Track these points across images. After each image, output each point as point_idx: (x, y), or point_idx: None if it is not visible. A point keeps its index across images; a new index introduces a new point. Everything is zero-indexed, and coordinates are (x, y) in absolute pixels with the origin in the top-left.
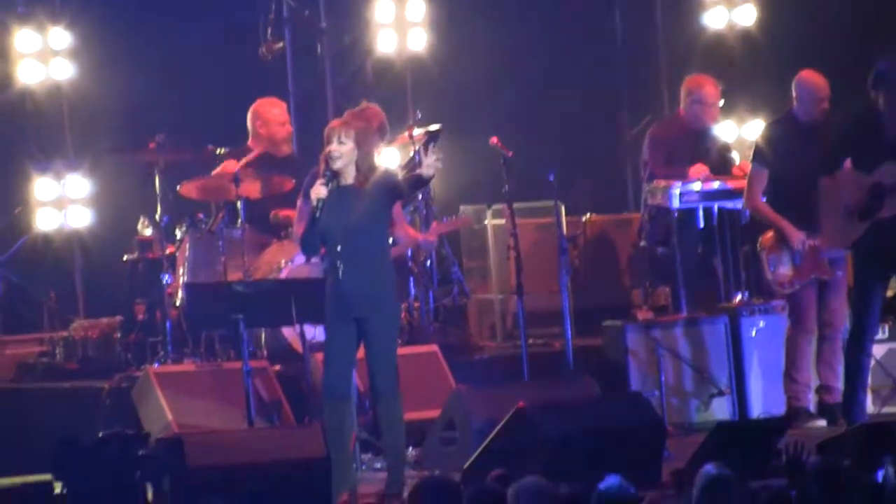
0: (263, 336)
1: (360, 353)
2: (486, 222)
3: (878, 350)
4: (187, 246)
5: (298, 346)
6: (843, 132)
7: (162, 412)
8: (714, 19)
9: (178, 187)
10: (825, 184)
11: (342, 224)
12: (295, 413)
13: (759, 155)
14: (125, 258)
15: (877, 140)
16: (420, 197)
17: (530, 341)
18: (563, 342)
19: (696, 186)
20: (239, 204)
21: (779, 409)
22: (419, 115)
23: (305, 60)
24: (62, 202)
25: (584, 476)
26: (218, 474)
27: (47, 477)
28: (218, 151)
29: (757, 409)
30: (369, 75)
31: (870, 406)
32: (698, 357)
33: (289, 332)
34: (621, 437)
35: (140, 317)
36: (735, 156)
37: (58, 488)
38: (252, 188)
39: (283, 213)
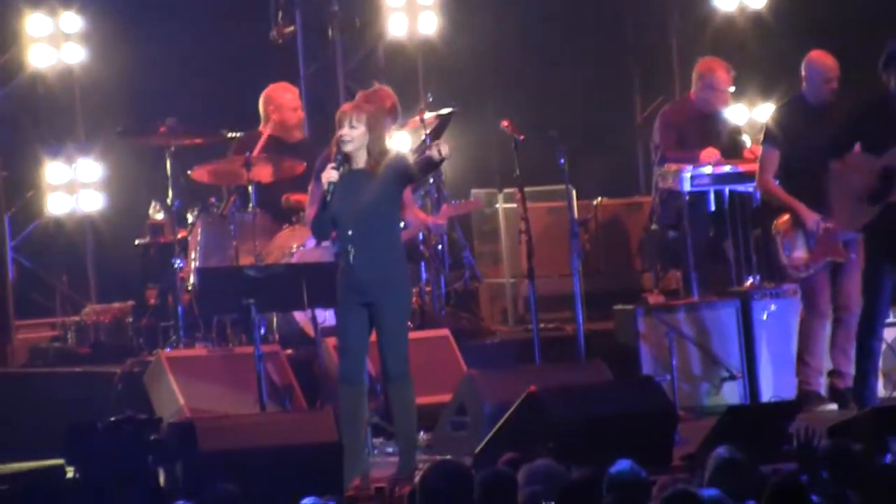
0: (275, 320)
1: (372, 337)
2: (497, 206)
3: (889, 334)
4: (199, 230)
5: (310, 331)
6: (854, 115)
7: (174, 397)
8: (725, 1)
9: (189, 171)
10: (835, 167)
11: (353, 208)
12: (307, 397)
13: (769, 136)
14: (137, 243)
15: (887, 123)
16: (431, 181)
17: (541, 325)
18: (575, 326)
19: (708, 170)
20: (250, 188)
21: (789, 392)
22: (430, 99)
23: (316, 44)
24: (74, 186)
25: (595, 460)
26: (230, 459)
27: (59, 461)
28: (229, 135)
29: (768, 393)
30: (380, 59)
31: (881, 390)
32: (709, 341)
33: (300, 317)
34: (632, 421)
35: (152, 301)
36: (746, 139)
37: (70, 473)
38: (263, 172)
39: (295, 197)
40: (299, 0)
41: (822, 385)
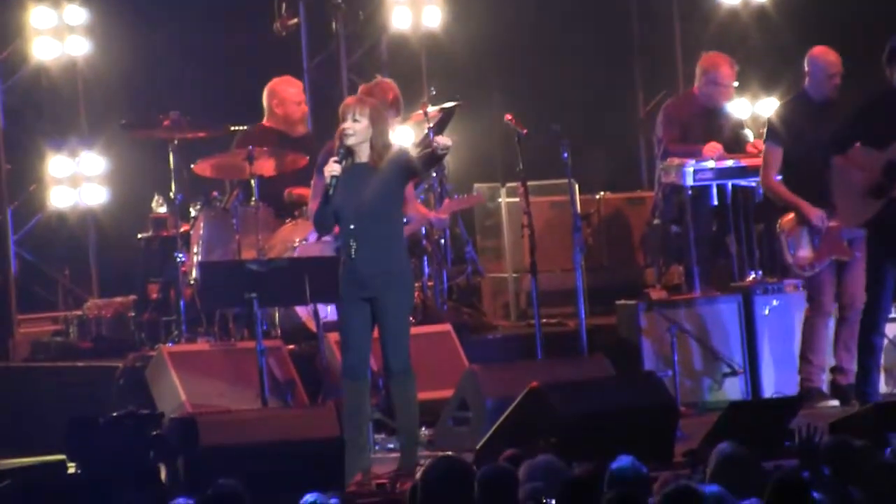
0: (277, 315)
1: (374, 333)
2: (500, 200)
3: (891, 329)
4: (201, 224)
5: (312, 326)
6: (857, 110)
7: (175, 391)
8: None
9: (192, 165)
10: (838, 162)
11: (356, 202)
12: (308, 393)
13: (772, 133)
14: (139, 236)
15: (891, 117)
16: (434, 175)
17: (543, 320)
18: (577, 321)
19: (710, 164)
20: (253, 182)
21: (791, 388)
22: (434, 92)
23: (320, 37)
24: (77, 180)
25: (596, 456)
26: (231, 454)
27: (61, 456)
28: (232, 129)
29: (769, 389)
30: (384, 52)
31: (883, 386)
32: (711, 336)
33: (303, 312)
34: (634, 416)
35: (154, 296)
36: (748, 133)
37: (71, 468)
38: (266, 166)
39: (297, 191)
40: None
41: (824, 382)
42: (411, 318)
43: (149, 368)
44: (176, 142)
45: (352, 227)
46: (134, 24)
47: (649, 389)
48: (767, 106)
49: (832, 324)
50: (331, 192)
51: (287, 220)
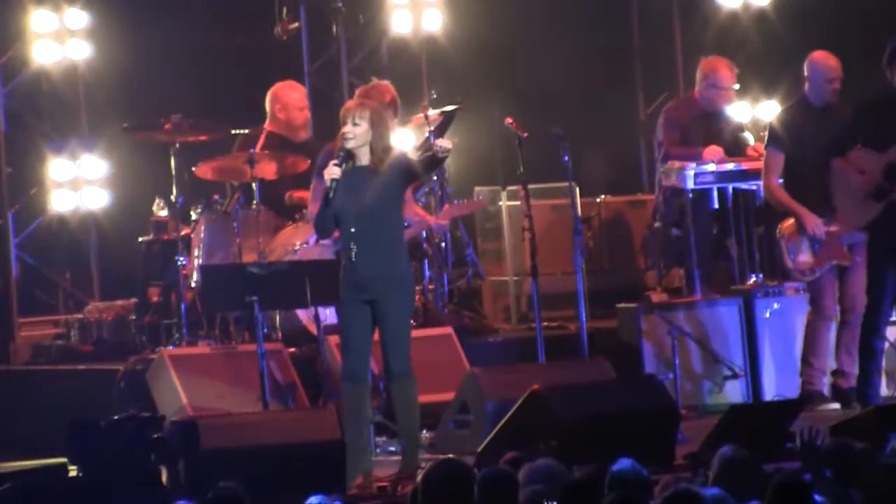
0: (278, 318)
1: (375, 335)
2: (500, 204)
3: (892, 333)
4: (202, 227)
5: (313, 329)
6: (857, 112)
7: (176, 395)
8: None
9: (193, 168)
10: (838, 165)
11: (356, 205)
12: (309, 396)
13: (773, 138)
14: (140, 240)
15: (890, 119)
16: (435, 178)
17: (544, 323)
18: (578, 324)
19: (711, 167)
20: (254, 185)
21: (792, 391)
22: (434, 96)
23: (321, 40)
24: (77, 183)
25: (597, 458)
26: (232, 457)
27: (62, 460)
28: (233, 132)
29: (770, 392)
30: (384, 55)
31: (884, 389)
32: (712, 339)
33: (303, 315)
34: (635, 419)
35: (155, 299)
36: (749, 136)
37: (72, 471)
38: (267, 169)
39: (298, 194)
40: None
41: (825, 385)
42: (412, 321)
43: (150, 371)
44: (177, 145)
45: (352, 230)
46: (135, 28)
47: (650, 392)
48: (768, 109)
49: (833, 327)
50: (331, 195)
51: (288, 224)
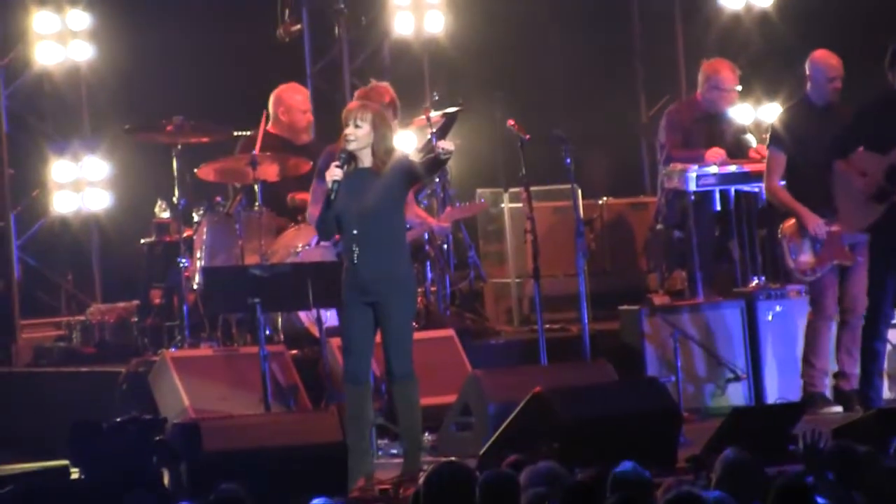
0: (280, 320)
1: (377, 337)
2: (502, 206)
3: (893, 335)
4: (205, 229)
5: (315, 331)
6: (858, 114)
7: (179, 397)
8: (731, 0)
9: (195, 170)
10: (839, 167)
11: (358, 207)
12: (311, 398)
13: (775, 139)
14: (142, 241)
15: (892, 121)
16: (437, 180)
17: (546, 325)
18: (580, 326)
19: (713, 169)
20: (256, 187)
21: (795, 394)
22: (436, 97)
23: (323, 42)
24: (80, 184)
25: (599, 461)
26: (234, 459)
27: (64, 462)
28: (235, 134)
29: (773, 395)
30: (386, 57)
31: (886, 392)
32: (714, 342)
33: (305, 317)
34: (637, 422)
35: (157, 301)
36: (751, 138)
37: (74, 473)
38: (269, 171)
39: (300, 196)
40: None
41: (827, 387)
42: (414, 324)
43: (152, 374)
44: (179, 146)
45: (354, 231)
46: (137, 29)
47: (652, 395)
48: (770, 111)
49: (834, 327)
50: (332, 196)
51: (290, 226)
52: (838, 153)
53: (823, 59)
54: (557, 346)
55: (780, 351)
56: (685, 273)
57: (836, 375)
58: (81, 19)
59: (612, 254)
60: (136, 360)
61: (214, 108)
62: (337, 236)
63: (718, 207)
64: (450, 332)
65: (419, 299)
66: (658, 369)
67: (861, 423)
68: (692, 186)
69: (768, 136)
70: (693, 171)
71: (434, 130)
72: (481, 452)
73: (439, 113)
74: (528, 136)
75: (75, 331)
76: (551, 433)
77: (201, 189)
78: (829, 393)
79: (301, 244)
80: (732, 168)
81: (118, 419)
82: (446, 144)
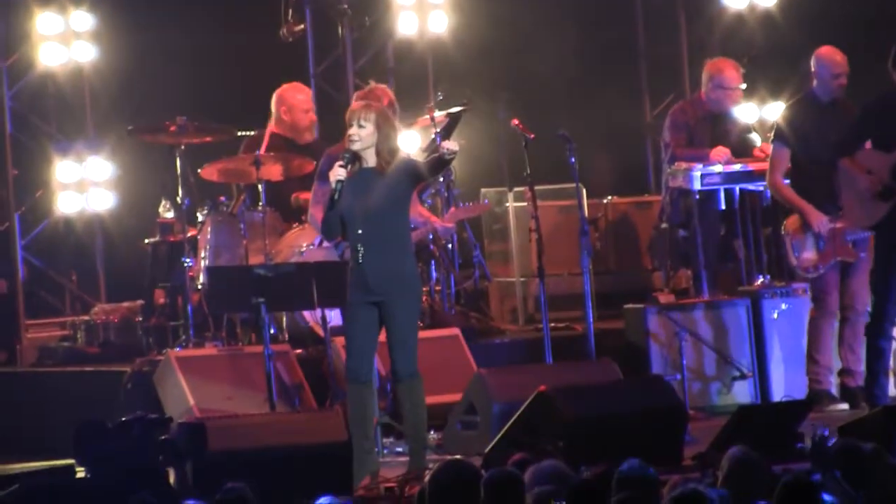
0: (284, 319)
1: (381, 336)
2: (507, 205)
3: None
4: (209, 229)
5: (319, 330)
6: (864, 112)
7: (183, 396)
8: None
9: (199, 170)
10: (844, 164)
11: (363, 207)
12: (316, 397)
13: (779, 134)
14: (146, 241)
15: None
16: (441, 180)
17: (551, 324)
18: (585, 325)
19: (718, 168)
20: (260, 187)
21: (800, 392)
22: (440, 97)
23: (327, 42)
24: (84, 185)
25: (605, 459)
26: (239, 458)
27: (69, 461)
28: (239, 134)
29: (779, 393)
30: (390, 57)
31: (892, 389)
32: (720, 340)
33: (309, 316)
34: (643, 420)
35: (161, 300)
36: (755, 137)
37: (80, 473)
38: (273, 171)
39: (304, 196)
40: None
41: (832, 384)
42: (419, 323)
43: (156, 373)
44: (183, 146)
45: (359, 231)
46: (140, 30)
47: (658, 393)
48: (774, 110)
49: (836, 324)
50: (336, 197)
51: (294, 225)
52: (843, 151)
53: (829, 56)
54: (562, 345)
55: (786, 349)
56: (690, 272)
57: (840, 373)
58: (85, 20)
59: (616, 253)
60: (141, 359)
61: (218, 109)
62: (339, 238)
63: (723, 206)
64: (455, 331)
65: (424, 298)
66: (663, 368)
67: (867, 420)
68: (697, 185)
69: (772, 131)
70: (697, 170)
71: (438, 130)
72: (486, 451)
73: (443, 113)
74: (532, 136)
75: (80, 331)
76: (556, 432)
77: (205, 189)
78: (834, 390)
79: (305, 244)
80: (737, 167)
81: (123, 419)
82: (451, 144)
